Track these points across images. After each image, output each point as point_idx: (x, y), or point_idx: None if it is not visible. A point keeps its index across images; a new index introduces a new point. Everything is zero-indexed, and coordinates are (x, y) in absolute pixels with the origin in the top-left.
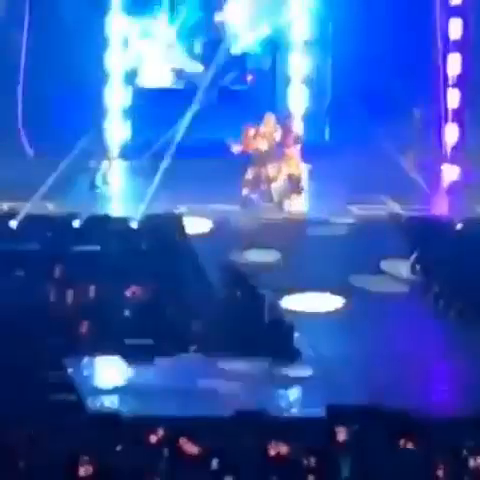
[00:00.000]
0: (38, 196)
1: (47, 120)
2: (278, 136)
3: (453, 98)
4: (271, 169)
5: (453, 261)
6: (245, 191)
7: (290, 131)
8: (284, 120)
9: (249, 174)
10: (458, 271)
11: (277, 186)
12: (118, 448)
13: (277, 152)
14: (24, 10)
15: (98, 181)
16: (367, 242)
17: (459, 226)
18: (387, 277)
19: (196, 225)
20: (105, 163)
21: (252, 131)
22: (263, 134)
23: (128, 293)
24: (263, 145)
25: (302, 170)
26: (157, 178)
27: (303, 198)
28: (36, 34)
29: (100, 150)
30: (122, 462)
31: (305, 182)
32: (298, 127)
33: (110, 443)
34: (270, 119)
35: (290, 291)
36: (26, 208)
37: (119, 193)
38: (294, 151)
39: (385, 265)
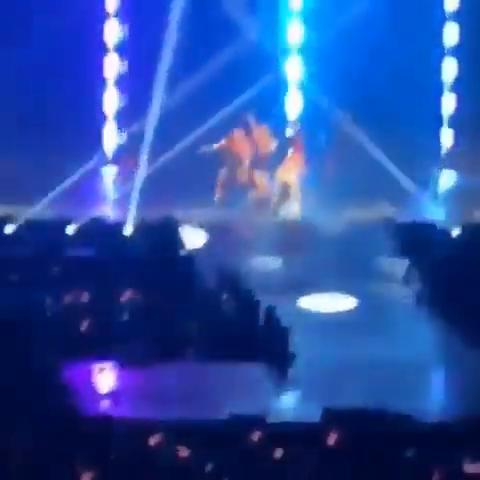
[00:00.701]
0: (33, 200)
1: (45, 122)
2: (273, 147)
3: (449, 103)
4: (261, 176)
5: (449, 266)
6: (218, 194)
7: (299, 144)
8: (293, 134)
9: (222, 176)
10: (454, 276)
11: (273, 193)
12: (113, 452)
13: (269, 162)
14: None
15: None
16: (363, 246)
17: (456, 231)
18: (383, 281)
19: (193, 229)
20: (105, 167)
21: (239, 135)
22: (253, 142)
23: (125, 298)
24: (246, 151)
25: (300, 177)
26: (152, 182)
27: (300, 203)
28: (35, 37)
29: (99, 153)
30: (117, 466)
31: (302, 187)
32: (302, 137)
33: (105, 447)
34: (265, 132)
35: (286, 294)
36: (21, 212)
37: (117, 196)
38: (298, 160)
39: (380, 269)
